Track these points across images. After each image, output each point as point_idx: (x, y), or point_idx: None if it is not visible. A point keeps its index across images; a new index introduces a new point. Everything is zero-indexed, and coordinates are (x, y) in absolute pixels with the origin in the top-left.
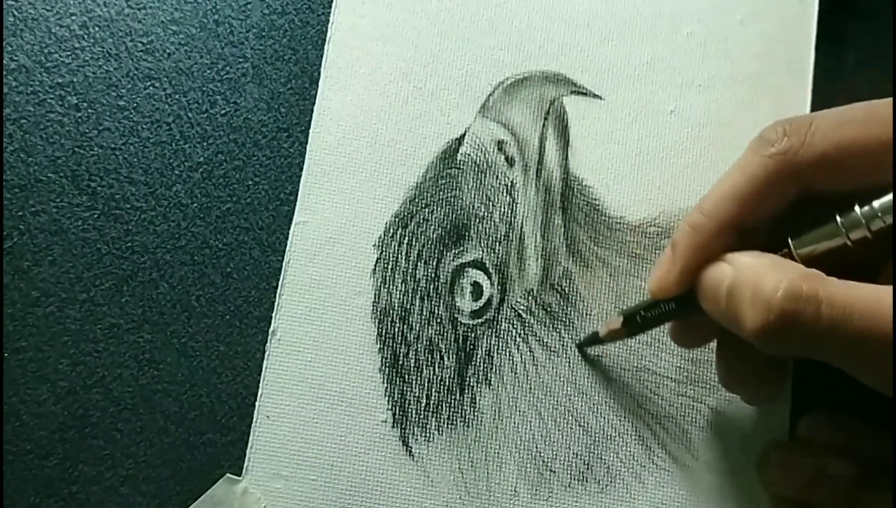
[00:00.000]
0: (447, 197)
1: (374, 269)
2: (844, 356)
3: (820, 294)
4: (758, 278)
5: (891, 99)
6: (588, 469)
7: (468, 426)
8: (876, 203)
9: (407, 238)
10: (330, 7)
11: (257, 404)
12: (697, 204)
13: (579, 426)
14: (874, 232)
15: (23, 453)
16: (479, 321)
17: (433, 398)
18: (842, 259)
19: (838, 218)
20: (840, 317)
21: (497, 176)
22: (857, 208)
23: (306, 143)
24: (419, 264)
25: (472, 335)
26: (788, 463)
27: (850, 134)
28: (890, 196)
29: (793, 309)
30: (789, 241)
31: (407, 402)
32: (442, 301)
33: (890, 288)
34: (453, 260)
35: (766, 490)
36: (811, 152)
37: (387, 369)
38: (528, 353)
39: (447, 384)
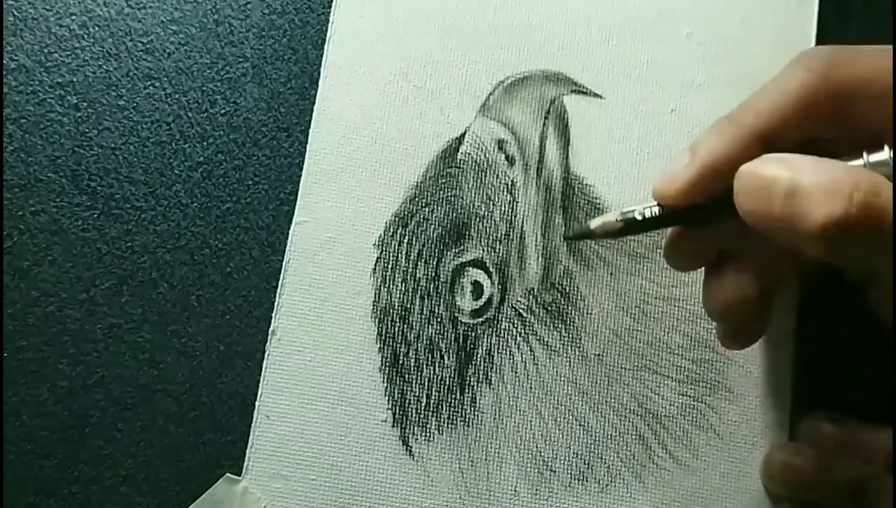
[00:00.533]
0: (447, 196)
1: (374, 268)
2: None
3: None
4: (831, 176)
5: None
6: (588, 468)
7: (468, 426)
8: None
9: (407, 238)
10: (330, 7)
11: (257, 404)
12: (731, 112)
13: (579, 425)
14: None
15: (23, 453)
16: (480, 320)
17: (433, 397)
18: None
19: (864, 157)
20: None
21: (497, 175)
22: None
23: (306, 143)
24: (419, 263)
25: (473, 335)
26: (789, 464)
27: (888, 66)
28: None
29: (874, 203)
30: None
31: (407, 401)
32: (442, 301)
33: None
34: (453, 259)
35: (766, 491)
36: (850, 74)
37: (387, 368)
38: (529, 352)
39: (447, 383)
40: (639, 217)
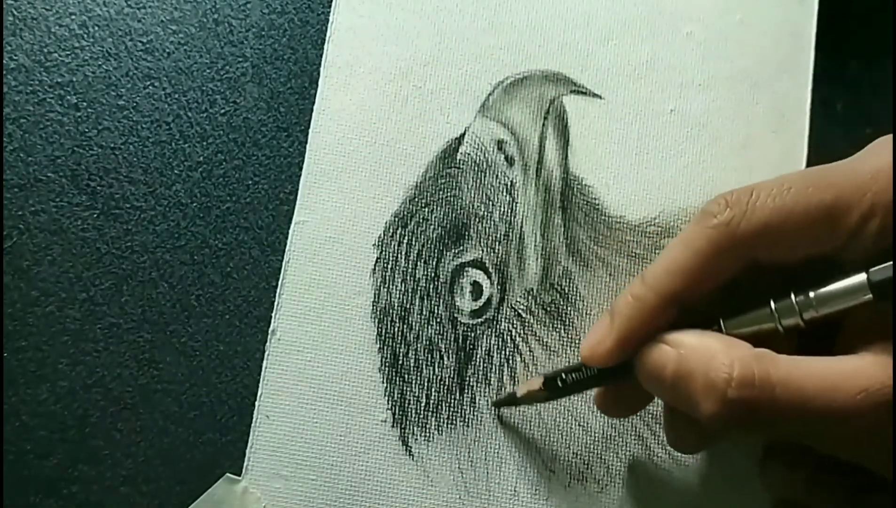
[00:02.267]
0: (447, 196)
1: (374, 268)
2: (803, 434)
3: (773, 377)
4: (707, 362)
5: (835, 164)
6: (588, 468)
7: (468, 426)
8: (812, 293)
9: (407, 238)
10: (330, 7)
11: (257, 404)
12: (641, 274)
13: (579, 426)
14: (807, 321)
15: (23, 453)
16: (479, 320)
17: (433, 397)
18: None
19: (772, 304)
20: (795, 399)
21: (497, 175)
22: (792, 296)
23: (306, 142)
24: (419, 263)
25: (472, 335)
26: (789, 464)
27: (791, 201)
28: (826, 288)
29: (747, 396)
30: (721, 322)
31: (407, 402)
32: (442, 301)
33: (841, 360)
34: (453, 260)
35: (766, 491)
36: (753, 222)
37: (386, 368)
38: (528, 353)
39: (447, 383)
40: (560, 384)
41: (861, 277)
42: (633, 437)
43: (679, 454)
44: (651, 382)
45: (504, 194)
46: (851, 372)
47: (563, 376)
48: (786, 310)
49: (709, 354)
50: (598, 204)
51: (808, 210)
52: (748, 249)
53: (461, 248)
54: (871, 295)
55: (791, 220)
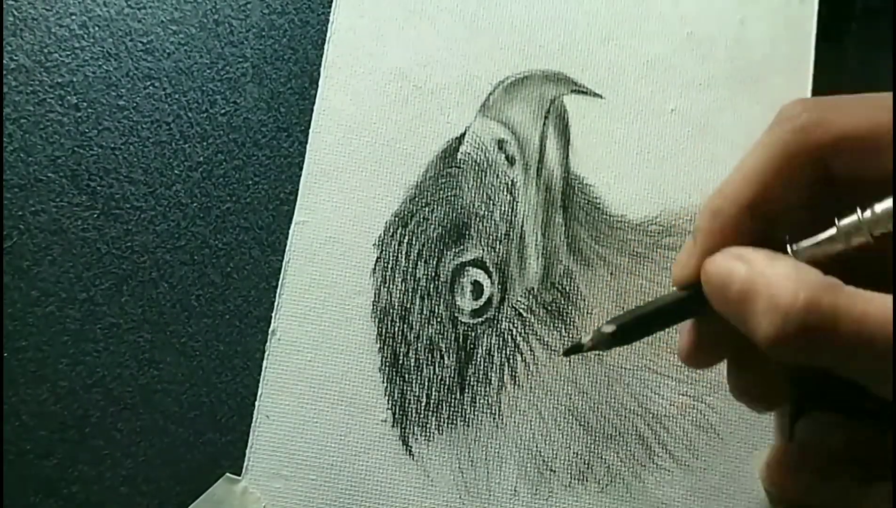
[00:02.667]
0: (447, 196)
1: (374, 268)
2: (860, 368)
3: (840, 306)
4: (774, 283)
5: None
6: (588, 468)
7: (468, 426)
8: (878, 207)
9: (407, 237)
10: (330, 7)
11: (257, 404)
12: (719, 187)
13: (579, 425)
14: (876, 237)
15: (23, 453)
16: (480, 320)
17: (433, 397)
18: (851, 261)
19: (837, 222)
20: (857, 331)
21: (497, 175)
22: (858, 212)
23: (306, 142)
24: (419, 263)
25: (473, 335)
26: (788, 465)
27: (875, 115)
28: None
29: (812, 321)
30: (788, 247)
31: (407, 401)
32: (442, 300)
33: None
34: (454, 259)
35: (766, 492)
36: (832, 129)
37: (387, 368)
38: (529, 352)
39: (447, 383)
40: (633, 326)
41: None
42: (633, 437)
43: (680, 453)
44: (716, 295)
45: (505, 193)
46: None
47: (635, 314)
48: (852, 228)
49: (777, 274)
50: (599, 203)
51: (891, 128)
52: (824, 157)
53: (462, 247)
54: None
55: (872, 134)
